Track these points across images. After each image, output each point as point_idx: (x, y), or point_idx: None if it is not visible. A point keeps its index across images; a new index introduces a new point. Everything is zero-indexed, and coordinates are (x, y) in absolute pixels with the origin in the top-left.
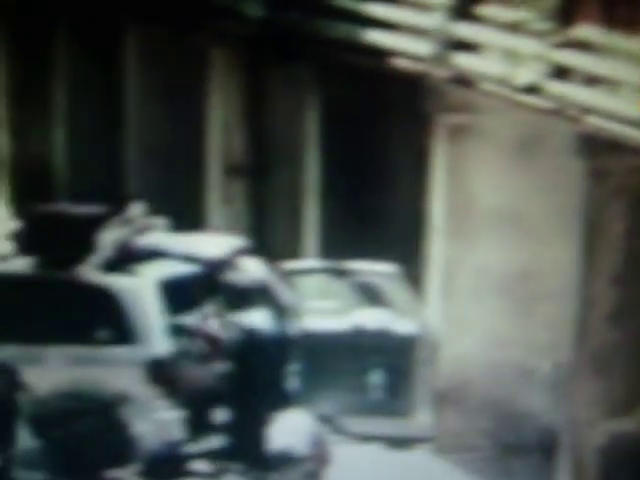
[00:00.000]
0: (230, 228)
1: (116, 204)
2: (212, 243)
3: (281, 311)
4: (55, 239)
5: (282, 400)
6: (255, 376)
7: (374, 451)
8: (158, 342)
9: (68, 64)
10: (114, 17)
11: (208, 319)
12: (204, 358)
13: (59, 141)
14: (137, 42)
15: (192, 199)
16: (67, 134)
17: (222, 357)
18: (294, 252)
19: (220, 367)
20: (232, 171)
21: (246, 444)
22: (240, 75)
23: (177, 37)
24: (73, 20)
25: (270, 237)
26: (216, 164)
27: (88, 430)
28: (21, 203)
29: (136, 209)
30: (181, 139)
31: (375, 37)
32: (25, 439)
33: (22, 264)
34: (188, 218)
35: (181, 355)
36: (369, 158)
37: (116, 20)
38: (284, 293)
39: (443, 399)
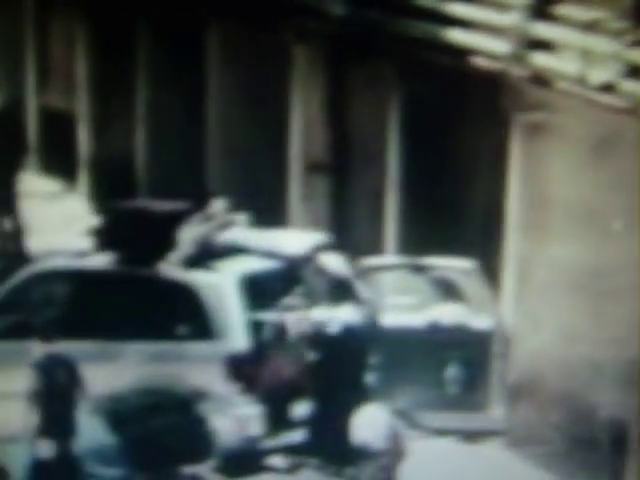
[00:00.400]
0: (311, 225)
1: (198, 201)
2: (293, 239)
3: (360, 307)
4: (136, 235)
5: (361, 395)
6: (336, 370)
7: (449, 445)
8: (238, 338)
9: (150, 61)
10: (197, 14)
11: (288, 314)
12: (281, 352)
13: (141, 138)
14: (220, 39)
15: (274, 196)
16: (149, 131)
17: (298, 352)
18: (374, 248)
19: (301, 362)
20: (313, 168)
21: (326, 439)
22: (322, 73)
23: (260, 35)
24: (156, 17)
25: (350, 234)
26: (298, 162)
27: (166, 426)
28: (101, 199)
29: (218, 205)
30: (263, 137)
31: (455, 36)
32: (102, 435)
33: (103, 260)
34: (270, 215)
35: (261, 350)
36: (448, 155)
37: (199, 17)
38: (363, 289)
39: (516, 393)
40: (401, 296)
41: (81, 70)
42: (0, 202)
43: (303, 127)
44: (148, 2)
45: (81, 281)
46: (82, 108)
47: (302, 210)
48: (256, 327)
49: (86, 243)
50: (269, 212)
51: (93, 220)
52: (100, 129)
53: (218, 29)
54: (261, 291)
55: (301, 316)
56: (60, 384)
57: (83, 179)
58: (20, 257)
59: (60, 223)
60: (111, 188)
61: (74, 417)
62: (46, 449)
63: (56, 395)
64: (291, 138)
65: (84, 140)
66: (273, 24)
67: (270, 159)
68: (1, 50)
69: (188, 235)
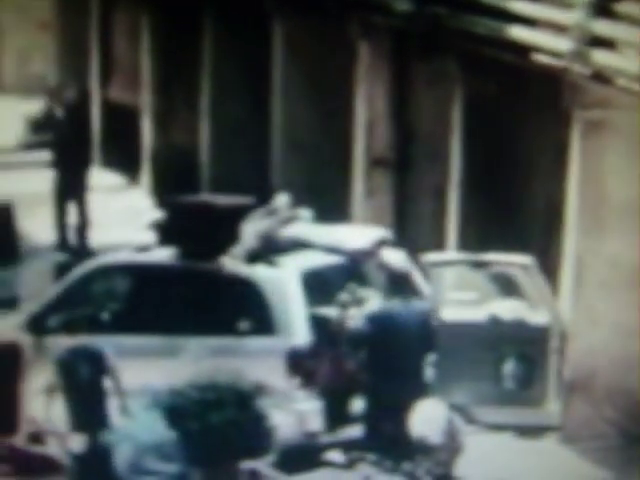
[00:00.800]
0: (373, 220)
1: (261, 196)
2: (355, 234)
3: (421, 302)
4: (199, 230)
5: (419, 390)
6: (394, 365)
7: (504, 440)
8: (299, 333)
9: (215, 54)
10: (262, 7)
11: (349, 309)
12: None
13: (204, 132)
14: (285, 34)
15: (337, 192)
16: (212, 125)
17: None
18: (435, 244)
19: (361, 357)
20: (377, 164)
21: (383, 434)
22: (387, 68)
23: (325, 30)
24: (221, 10)
25: (412, 230)
26: (361, 157)
27: (226, 421)
28: (163, 193)
29: (281, 200)
30: (327, 132)
31: (518, 33)
32: (161, 431)
33: (165, 255)
34: (332, 210)
35: (321, 345)
36: (510, 152)
37: (264, 11)
38: (424, 284)
39: (572, 388)
40: (461, 291)
41: (145, 64)
42: (69, 195)
43: (367, 123)
44: None
45: (143, 276)
46: (146, 102)
47: (365, 206)
48: (317, 322)
49: (148, 237)
50: (332, 207)
51: (155, 214)
52: (163, 123)
53: (283, 23)
54: (323, 286)
55: (360, 311)
56: (85, 377)
57: (146, 173)
58: (83, 251)
59: (122, 217)
60: (174, 183)
61: (104, 410)
62: (79, 443)
63: (82, 388)
64: (355, 133)
65: (147, 134)
66: (338, 19)
67: (334, 154)
68: (66, 44)
69: (251, 230)
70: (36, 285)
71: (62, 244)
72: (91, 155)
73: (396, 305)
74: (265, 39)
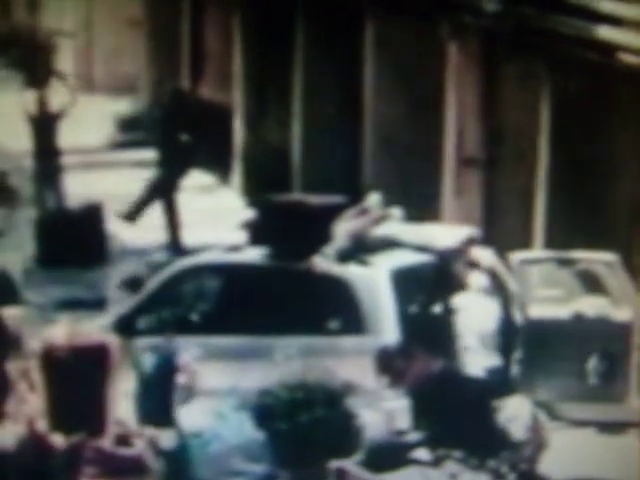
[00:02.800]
0: (462, 219)
1: (352, 196)
2: (444, 233)
3: (508, 299)
4: (291, 229)
5: (505, 387)
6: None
7: (587, 435)
8: (389, 332)
9: (306, 53)
10: (354, 7)
11: (436, 307)
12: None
13: (296, 131)
14: (376, 33)
15: (426, 190)
16: (304, 124)
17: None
18: (522, 242)
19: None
20: (466, 163)
21: (469, 431)
22: (475, 68)
23: (415, 29)
24: (313, 9)
25: (500, 228)
26: (451, 156)
27: (315, 421)
28: (255, 193)
29: (372, 199)
30: (417, 131)
31: (604, 32)
32: (250, 431)
33: (256, 255)
34: (422, 209)
35: (410, 345)
36: (596, 151)
37: (356, 10)
38: (512, 282)
39: None
40: (547, 289)
41: (237, 62)
42: (165, 194)
43: (457, 122)
44: None
45: (234, 276)
46: (237, 100)
47: (454, 204)
48: (407, 321)
49: (239, 237)
50: (422, 206)
51: (246, 214)
52: (255, 122)
53: (375, 23)
54: (413, 285)
55: (448, 309)
56: (159, 376)
57: (237, 173)
58: (176, 250)
59: (213, 217)
60: (265, 182)
61: (173, 408)
62: (165, 439)
63: (150, 384)
64: (445, 133)
65: (239, 133)
66: (429, 19)
67: (424, 153)
68: (157, 42)
69: (343, 229)
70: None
71: (173, 244)
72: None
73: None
74: (357, 38)
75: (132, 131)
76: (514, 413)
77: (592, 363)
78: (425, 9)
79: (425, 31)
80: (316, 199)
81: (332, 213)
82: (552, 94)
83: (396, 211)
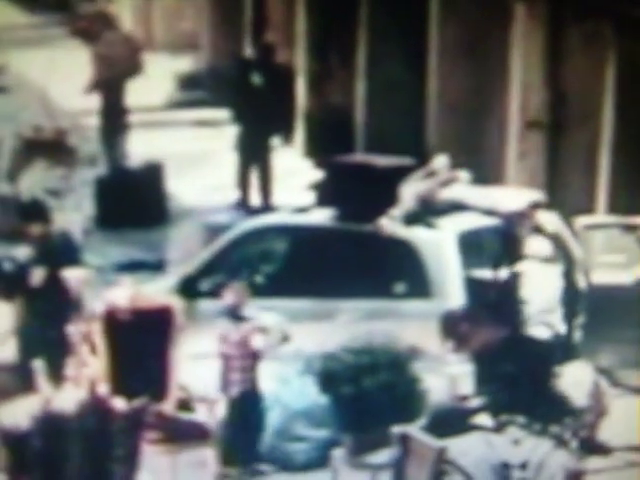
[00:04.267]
0: (526, 182)
1: (416, 157)
2: (511, 197)
3: (572, 265)
4: (358, 191)
5: (567, 352)
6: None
7: None
8: (455, 295)
9: (371, 14)
10: None
11: (501, 271)
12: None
13: (360, 92)
14: None
15: (491, 153)
16: (368, 86)
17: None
18: (586, 207)
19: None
20: (531, 126)
21: (532, 397)
22: (541, 30)
23: None
24: None
25: (564, 191)
26: (515, 118)
27: (380, 385)
28: (318, 154)
29: (440, 162)
30: (482, 93)
31: None
32: (314, 396)
33: (322, 216)
34: (486, 171)
35: (475, 310)
36: None
37: None
38: (575, 247)
39: None
40: (610, 254)
41: (300, 22)
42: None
43: (521, 85)
44: None
45: (300, 237)
46: (300, 62)
47: (518, 167)
48: (472, 285)
49: (302, 198)
50: (486, 169)
51: (310, 175)
52: (318, 83)
53: None
54: (479, 248)
55: (510, 273)
56: None
57: (300, 133)
58: (267, 209)
59: (276, 178)
60: (328, 143)
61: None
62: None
63: None
64: (510, 95)
65: (302, 94)
66: None
67: (488, 116)
68: (217, 1)
69: (410, 191)
70: (184, 247)
71: (243, 203)
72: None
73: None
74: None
75: (193, 89)
76: (576, 379)
77: None
78: None
79: None
80: (383, 160)
81: (399, 175)
82: (618, 56)
83: (463, 174)
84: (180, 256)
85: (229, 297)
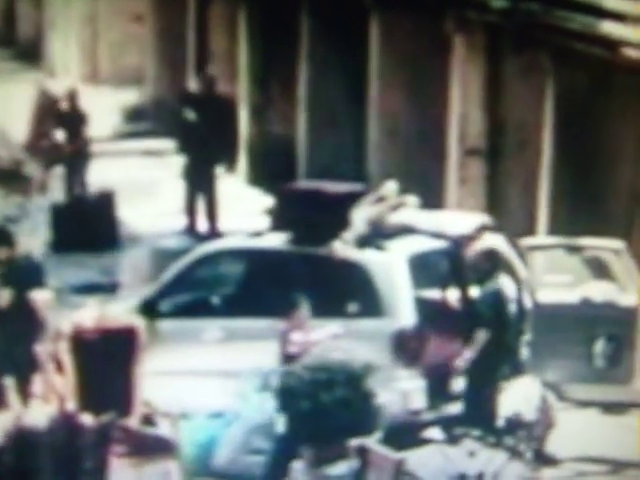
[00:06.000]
0: (466, 207)
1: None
2: (458, 220)
3: (518, 284)
4: (311, 215)
5: (516, 368)
6: (492, 344)
7: (592, 416)
8: (405, 315)
9: (312, 45)
10: (360, 0)
11: (449, 292)
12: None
13: (301, 121)
14: (381, 25)
15: (431, 179)
16: (309, 114)
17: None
18: (525, 231)
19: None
20: (470, 153)
21: (482, 411)
22: (480, 61)
23: (421, 24)
24: (319, 1)
25: (504, 217)
26: (455, 146)
27: (336, 401)
28: (261, 182)
29: (389, 187)
30: (422, 122)
31: (608, 28)
32: (270, 410)
33: (277, 240)
34: (426, 197)
35: (425, 327)
36: (597, 141)
37: (360, 3)
38: (521, 267)
39: None
40: (556, 274)
41: (242, 54)
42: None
43: (461, 113)
44: None
45: (256, 260)
46: (243, 93)
47: (458, 193)
48: (422, 304)
49: (247, 224)
50: (426, 195)
51: (254, 202)
52: (260, 113)
53: (380, 15)
54: (427, 270)
55: (460, 293)
56: None
57: (243, 162)
58: (213, 236)
59: (222, 204)
60: (271, 171)
61: None
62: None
63: None
64: (449, 123)
65: (245, 124)
66: (435, 14)
67: (429, 143)
68: (161, 35)
69: (361, 216)
70: (135, 271)
71: (191, 229)
72: (229, 146)
73: (503, 284)
74: (362, 31)
75: (138, 121)
76: (524, 394)
77: (599, 346)
78: (432, 5)
79: (431, 25)
80: (335, 187)
81: (350, 200)
82: (556, 87)
83: (412, 199)
84: (131, 279)
85: (292, 322)
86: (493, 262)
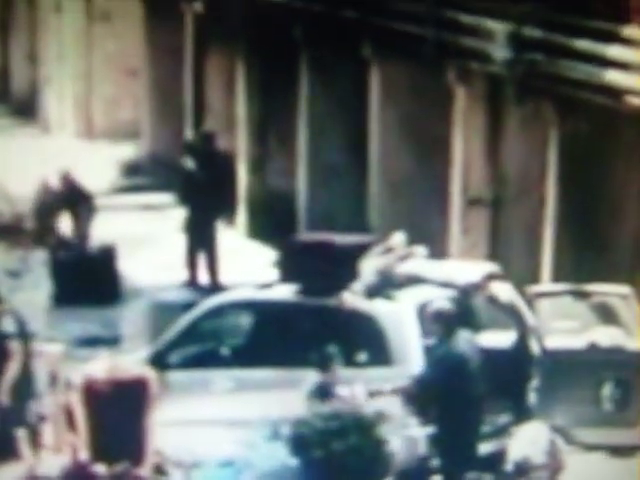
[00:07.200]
0: (469, 257)
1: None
2: (466, 269)
3: (526, 331)
4: (320, 267)
5: (524, 413)
6: (501, 390)
7: (600, 459)
8: (415, 363)
9: (311, 98)
10: (357, 52)
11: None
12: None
13: (301, 175)
14: (381, 76)
15: (433, 230)
16: (309, 168)
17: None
18: (528, 279)
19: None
20: (473, 203)
21: (491, 455)
22: (482, 111)
23: (421, 75)
24: (317, 54)
25: (506, 265)
26: (457, 196)
27: (348, 449)
28: (259, 235)
29: (397, 238)
30: (424, 172)
31: (611, 77)
32: (281, 459)
33: (286, 291)
34: (430, 248)
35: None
36: (600, 189)
37: (359, 55)
38: (528, 314)
39: None
40: (562, 321)
41: (240, 108)
42: (199, 240)
43: (463, 164)
44: (309, 41)
45: (265, 311)
46: (241, 146)
47: (462, 243)
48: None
49: (247, 277)
50: (430, 245)
51: (253, 255)
52: (259, 167)
53: (380, 66)
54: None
55: (468, 341)
56: None
57: (243, 215)
58: (215, 289)
59: (222, 258)
60: (270, 224)
61: None
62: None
63: None
64: (451, 174)
65: (243, 177)
66: (435, 65)
67: (431, 194)
68: (156, 90)
69: (370, 266)
70: (137, 324)
71: (192, 282)
72: (228, 200)
73: (460, 342)
74: (361, 83)
75: (135, 175)
76: (533, 438)
77: (606, 390)
78: (432, 56)
79: (431, 76)
80: (344, 238)
81: (359, 251)
82: (559, 136)
83: (420, 249)
84: (133, 332)
85: (331, 376)
86: (444, 323)
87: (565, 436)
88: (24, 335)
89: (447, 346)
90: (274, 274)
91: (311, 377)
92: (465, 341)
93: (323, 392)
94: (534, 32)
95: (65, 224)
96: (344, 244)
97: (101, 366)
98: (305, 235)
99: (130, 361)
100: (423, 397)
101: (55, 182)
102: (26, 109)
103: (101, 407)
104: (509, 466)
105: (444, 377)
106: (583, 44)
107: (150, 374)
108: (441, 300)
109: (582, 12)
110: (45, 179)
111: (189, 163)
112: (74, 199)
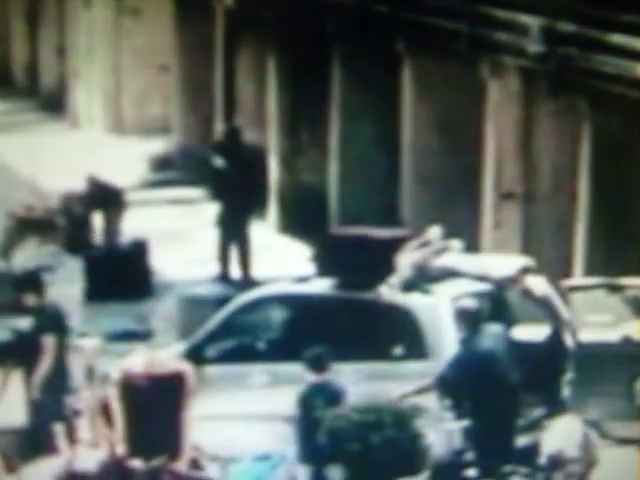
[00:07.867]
0: (501, 251)
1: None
2: (501, 262)
3: (560, 325)
4: (357, 261)
5: (557, 406)
6: (536, 383)
7: (633, 453)
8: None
9: (342, 92)
10: (390, 47)
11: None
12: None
13: (332, 169)
14: (414, 71)
15: (466, 225)
16: (340, 162)
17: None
18: (560, 273)
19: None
20: (505, 197)
21: (523, 448)
22: (515, 105)
23: (454, 69)
24: (348, 47)
25: (538, 259)
26: (490, 190)
27: (385, 442)
28: (290, 229)
29: (433, 232)
30: (457, 167)
31: None
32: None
33: (323, 285)
34: (462, 243)
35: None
36: (632, 183)
37: (392, 50)
38: (564, 309)
39: None
40: (596, 314)
41: (271, 102)
42: (232, 234)
43: (495, 157)
44: (342, 35)
45: (302, 305)
46: (272, 140)
47: (494, 237)
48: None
49: (277, 271)
50: (462, 240)
51: (285, 250)
52: (290, 161)
53: (413, 61)
54: None
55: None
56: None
57: (274, 210)
58: (247, 284)
59: (253, 252)
60: (302, 219)
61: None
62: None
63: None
64: (484, 168)
65: (274, 171)
66: (469, 60)
67: (462, 189)
68: (187, 85)
69: (406, 260)
70: (169, 318)
71: (224, 276)
72: (259, 195)
73: (484, 340)
74: (394, 77)
75: (165, 170)
76: (566, 431)
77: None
78: (466, 51)
79: (464, 71)
80: (380, 232)
81: (395, 245)
82: (591, 129)
83: (456, 243)
84: (165, 326)
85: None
86: (468, 322)
87: (598, 430)
88: (62, 329)
89: (469, 346)
90: (306, 268)
91: (349, 370)
92: (491, 337)
93: (318, 393)
94: (568, 26)
95: (97, 223)
96: (380, 238)
97: (138, 360)
98: (341, 229)
99: (167, 355)
100: (448, 395)
101: (82, 186)
102: (55, 104)
103: (138, 401)
104: (543, 459)
105: (466, 378)
106: (617, 38)
107: (187, 368)
108: (466, 298)
109: (616, 6)
110: (91, 174)
111: (217, 161)
112: (103, 199)
